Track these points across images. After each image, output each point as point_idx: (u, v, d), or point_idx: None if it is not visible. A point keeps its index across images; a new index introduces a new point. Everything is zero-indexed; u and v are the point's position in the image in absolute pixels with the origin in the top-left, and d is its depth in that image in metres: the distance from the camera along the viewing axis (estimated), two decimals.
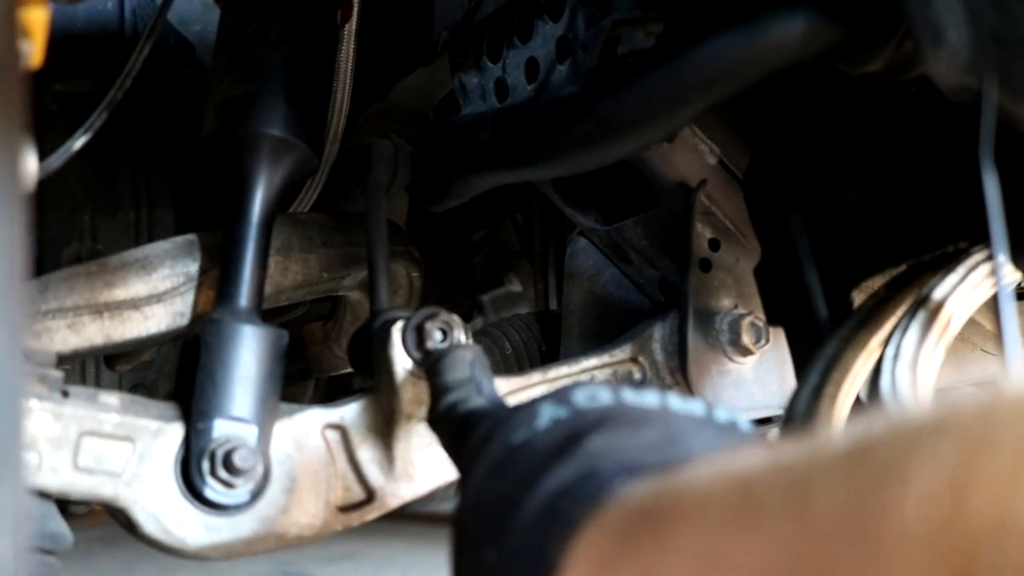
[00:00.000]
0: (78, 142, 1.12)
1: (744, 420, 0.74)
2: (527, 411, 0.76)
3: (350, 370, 1.58)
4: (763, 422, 1.42)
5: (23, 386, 0.77)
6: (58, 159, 1.11)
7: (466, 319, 2.24)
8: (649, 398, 0.73)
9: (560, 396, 0.75)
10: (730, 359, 1.29)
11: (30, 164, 0.65)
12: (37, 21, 0.67)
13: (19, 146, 0.55)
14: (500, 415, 0.80)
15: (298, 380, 1.82)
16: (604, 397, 0.74)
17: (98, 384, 1.60)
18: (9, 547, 0.50)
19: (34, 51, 0.68)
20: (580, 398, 0.74)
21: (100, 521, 2.20)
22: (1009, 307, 0.69)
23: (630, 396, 0.73)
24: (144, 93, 1.47)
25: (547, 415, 0.73)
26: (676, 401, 0.74)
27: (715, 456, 0.58)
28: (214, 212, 1.56)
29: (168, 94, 1.67)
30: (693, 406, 0.73)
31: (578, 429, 0.70)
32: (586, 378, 1.29)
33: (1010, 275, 0.89)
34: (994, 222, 0.68)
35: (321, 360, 1.62)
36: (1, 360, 0.51)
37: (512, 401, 1.21)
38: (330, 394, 2.04)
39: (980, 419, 0.42)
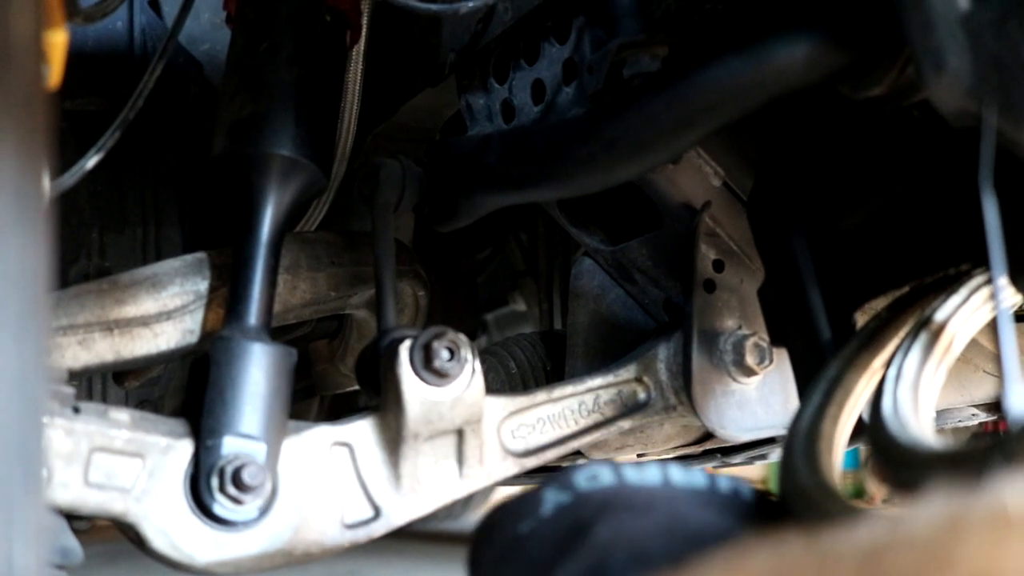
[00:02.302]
0: (91, 161, 1.13)
1: (747, 488, 0.74)
2: (531, 499, 0.75)
3: (355, 388, 1.59)
4: (767, 442, 1.42)
5: (45, 403, 0.78)
6: (71, 178, 1.12)
7: (470, 338, 2.25)
8: (651, 475, 0.73)
9: (562, 481, 0.75)
10: (734, 379, 1.30)
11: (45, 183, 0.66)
12: (56, 44, 0.68)
13: (43, 167, 0.56)
14: (504, 505, 0.79)
15: (303, 397, 1.83)
16: (605, 477, 0.73)
17: (104, 400, 1.61)
18: (32, 560, 0.51)
19: (52, 73, 0.69)
20: (581, 480, 0.73)
21: (103, 537, 2.21)
22: (1008, 329, 0.70)
23: (631, 474, 0.73)
24: (153, 112, 1.48)
25: (551, 502, 0.73)
26: (678, 475, 0.73)
27: (720, 555, 0.58)
28: (221, 230, 1.57)
29: (176, 113, 1.68)
30: (696, 479, 0.73)
31: (583, 516, 0.69)
32: (591, 397, 1.30)
33: (1010, 297, 0.90)
34: (993, 245, 0.69)
35: (327, 378, 1.63)
36: (26, 378, 0.52)
37: (517, 422, 1.20)
38: (335, 411, 2.05)
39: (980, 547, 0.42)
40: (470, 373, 1.16)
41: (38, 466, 0.54)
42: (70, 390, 1.08)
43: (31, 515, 0.52)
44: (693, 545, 0.63)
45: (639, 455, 1.46)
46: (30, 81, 0.55)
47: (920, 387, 0.89)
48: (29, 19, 0.54)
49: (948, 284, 0.95)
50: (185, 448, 1.12)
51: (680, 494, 0.71)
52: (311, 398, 1.91)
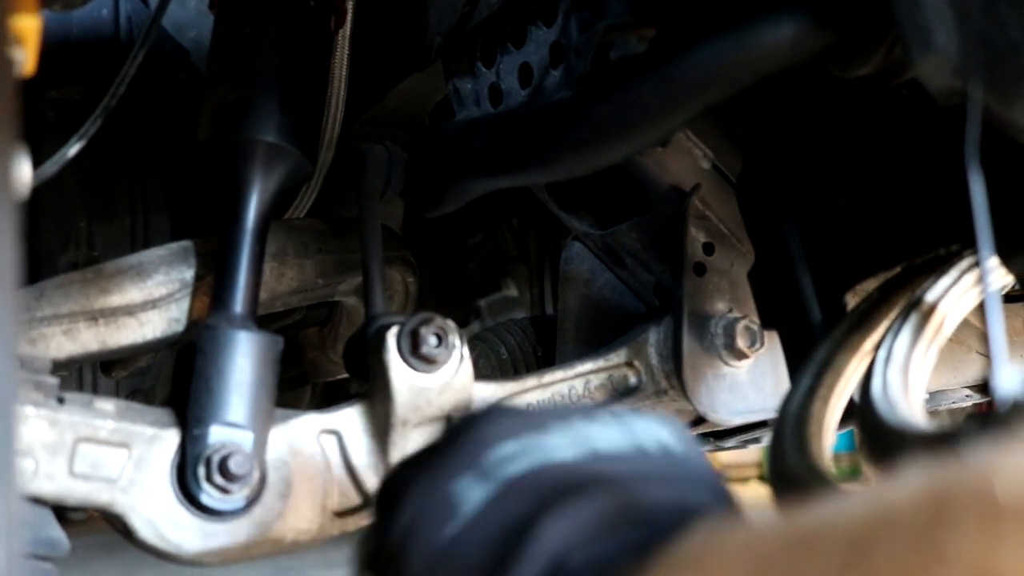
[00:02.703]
0: (72, 149, 1.12)
1: (669, 436, 0.65)
2: (443, 496, 0.62)
3: (347, 375, 1.58)
4: (759, 425, 1.42)
5: (16, 392, 0.77)
6: (53, 166, 1.11)
7: (463, 324, 2.24)
8: (565, 444, 0.63)
9: (473, 466, 0.63)
10: (725, 362, 1.29)
11: (24, 171, 0.65)
12: (30, 28, 0.67)
13: (11, 153, 0.55)
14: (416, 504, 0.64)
15: (295, 386, 1.82)
16: (520, 458, 0.62)
17: (95, 390, 1.60)
18: (3, 553, 0.51)
19: (27, 58, 0.68)
20: (495, 463, 0.62)
21: (99, 527, 2.21)
22: (995, 309, 0.69)
23: (546, 447, 0.63)
24: (140, 99, 1.47)
25: (471, 497, 0.61)
26: (598, 435, 0.63)
27: (689, 547, 0.52)
28: (209, 218, 1.56)
29: (164, 100, 1.67)
30: (616, 439, 0.64)
31: (518, 511, 0.59)
32: (581, 382, 1.29)
33: (1000, 278, 0.89)
34: (980, 224, 0.69)
35: (317, 366, 1.62)
36: None
37: None
38: (327, 399, 2.04)
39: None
40: (458, 359, 1.16)
41: (11, 456, 0.54)
42: (54, 380, 1.08)
43: (3, 506, 0.51)
44: (651, 531, 0.57)
45: None
46: None
47: (910, 368, 0.88)
48: None
49: (939, 265, 0.95)
50: (171, 437, 1.11)
51: (613, 465, 0.62)
52: (303, 386, 1.91)
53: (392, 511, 0.65)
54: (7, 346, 0.52)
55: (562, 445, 0.63)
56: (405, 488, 0.65)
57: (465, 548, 0.59)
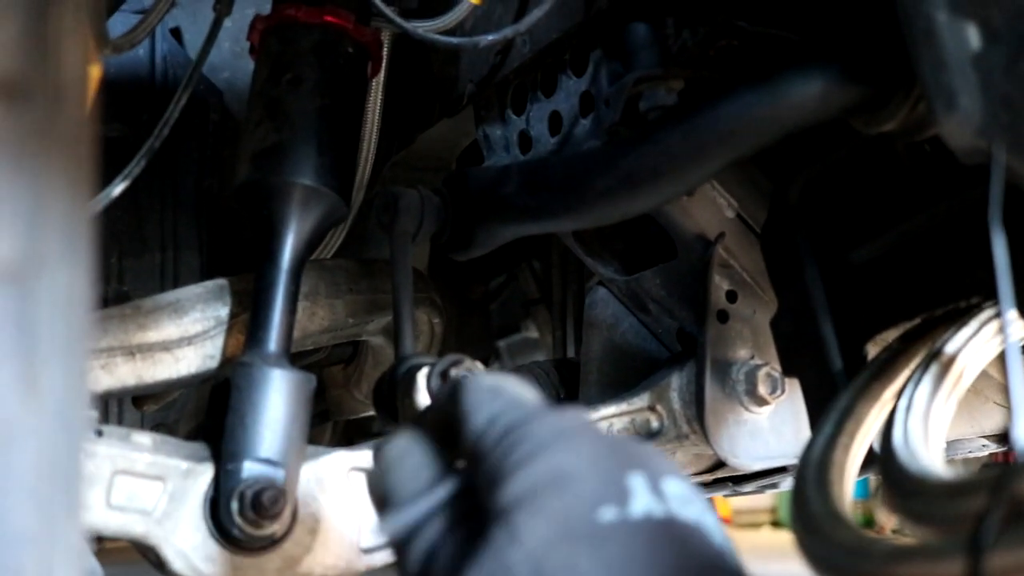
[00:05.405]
0: (117, 188, 1.15)
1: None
2: (615, 482, 0.61)
3: (369, 413, 1.60)
4: (778, 471, 1.43)
5: (87, 428, 0.80)
6: (97, 204, 1.14)
7: (484, 365, 2.25)
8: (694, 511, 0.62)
9: (654, 482, 0.62)
10: (746, 409, 1.31)
11: None
12: (93, 77, 0.70)
13: (88, 198, 0.58)
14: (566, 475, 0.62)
15: (318, 422, 1.84)
16: (694, 505, 0.62)
17: (120, 422, 1.62)
18: None
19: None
20: (674, 498, 0.62)
21: (115, 559, 2.22)
22: (1015, 363, 0.71)
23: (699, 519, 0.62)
24: (173, 138, 1.50)
25: (643, 505, 0.60)
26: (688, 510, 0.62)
27: None
28: (242, 256, 1.59)
29: (196, 139, 1.70)
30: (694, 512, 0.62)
31: (673, 548, 0.59)
32: (604, 425, 1.31)
33: (1019, 331, 0.91)
34: (1002, 280, 0.71)
35: (341, 403, 1.64)
36: (70, 403, 0.54)
37: None
38: (348, 437, 2.06)
39: None
40: None
41: (79, 489, 0.56)
42: (93, 413, 1.10)
43: (72, 537, 0.54)
44: None
45: None
46: (79, 115, 0.57)
47: (930, 418, 0.90)
48: (79, 55, 0.56)
49: (959, 317, 0.96)
50: (206, 472, 1.13)
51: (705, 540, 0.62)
52: (325, 423, 1.92)
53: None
54: (80, 379, 0.54)
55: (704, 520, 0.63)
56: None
57: (622, 540, 0.59)
